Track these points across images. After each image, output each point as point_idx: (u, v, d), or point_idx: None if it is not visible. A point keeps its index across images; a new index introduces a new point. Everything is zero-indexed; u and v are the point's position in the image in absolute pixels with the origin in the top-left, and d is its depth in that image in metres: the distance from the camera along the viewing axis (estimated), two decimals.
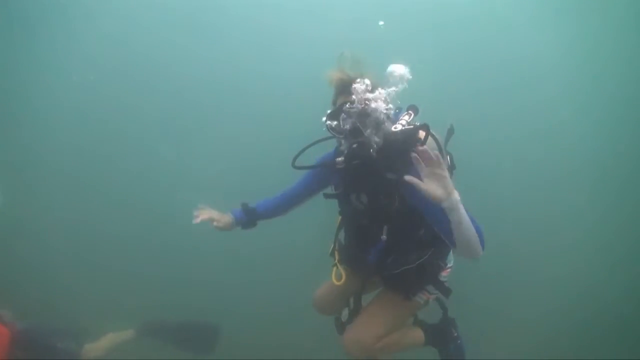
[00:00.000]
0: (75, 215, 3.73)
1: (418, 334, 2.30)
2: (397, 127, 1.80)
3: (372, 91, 1.78)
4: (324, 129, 1.88)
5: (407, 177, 1.49)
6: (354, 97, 1.76)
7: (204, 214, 2.15)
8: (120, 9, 3.56)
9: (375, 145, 1.78)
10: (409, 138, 1.78)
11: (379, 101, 1.77)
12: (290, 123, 3.17)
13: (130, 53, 3.62)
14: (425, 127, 1.74)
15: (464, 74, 3.61)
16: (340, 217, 2.21)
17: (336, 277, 2.10)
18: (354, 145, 1.75)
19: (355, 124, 1.74)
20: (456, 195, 1.51)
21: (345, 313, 2.25)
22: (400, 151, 1.76)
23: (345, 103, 1.79)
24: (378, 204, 1.87)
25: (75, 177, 3.75)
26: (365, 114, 1.75)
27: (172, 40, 3.59)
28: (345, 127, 1.77)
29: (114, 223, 3.68)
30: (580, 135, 3.76)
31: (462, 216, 1.53)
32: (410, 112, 1.91)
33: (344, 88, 1.85)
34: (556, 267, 3.71)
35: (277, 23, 3.44)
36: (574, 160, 3.76)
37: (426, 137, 1.74)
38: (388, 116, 1.81)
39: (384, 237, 1.84)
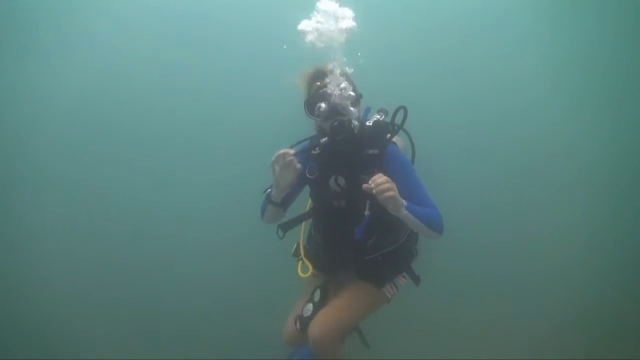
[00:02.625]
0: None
1: None
2: (371, 122, 2.07)
3: (343, 75, 1.98)
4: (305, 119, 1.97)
5: (364, 186, 1.69)
6: (327, 80, 1.95)
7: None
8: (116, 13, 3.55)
9: (354, 123, 1.95)
10: (383, 126, 2.04)
11: (352, 82, 2.00)
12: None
13: (126, 58, 3.58)
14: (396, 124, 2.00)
15: (456, 73, 3.58)
16: (309, 216, 2.24)
17: (302, 270, 2.17)
18: (335, 123, 1.91)
19: (332, 103, 1.91)
20: (404, 211, 1.76)
21: (308, 307, 2.17)
22: (377, 133, 2.01)
23: (320, 87, 1.96)
24: (357, 183, 1.90)
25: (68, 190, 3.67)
26: (340, 93, 1.91)
27: (170, 44, 3.56)
28: (324, 109, 1.92)
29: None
30: (577, 137, 3.69)
31: (411, 221, 1.81)
32: (381, 113, 2.18)
33: (317, 75, 2.01)
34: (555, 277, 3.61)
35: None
36: (572, 163, 3.69)
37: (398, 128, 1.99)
38: (360, 95, 2.02)
39: (367, 212, 1.86)
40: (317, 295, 2.17)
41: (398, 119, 2.04)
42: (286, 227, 2.16)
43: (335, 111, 1.90)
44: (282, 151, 1.92)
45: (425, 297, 3.09)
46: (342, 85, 1.93)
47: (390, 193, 1.64)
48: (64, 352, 3.36)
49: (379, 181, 1.66)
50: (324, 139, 1.95)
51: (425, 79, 3.49)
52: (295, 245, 2.33)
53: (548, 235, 3.65)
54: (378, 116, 2.17)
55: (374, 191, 1.64)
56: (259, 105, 3.40)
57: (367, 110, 2.17)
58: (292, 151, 1.94)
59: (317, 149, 2.03)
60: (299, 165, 1.94)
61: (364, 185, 1.67)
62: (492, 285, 3.55)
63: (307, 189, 2.30)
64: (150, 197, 3.60)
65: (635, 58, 3.55)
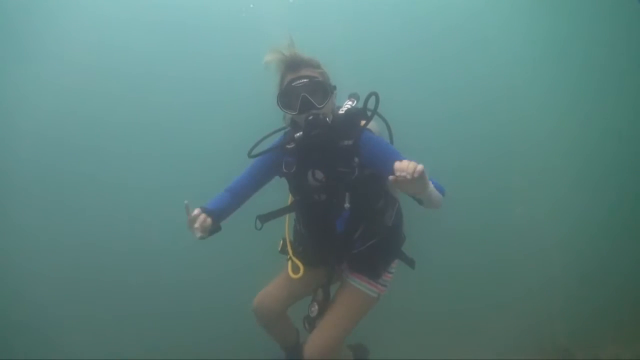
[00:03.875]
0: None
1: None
2: (343, 110, 1.99)
3: (316, 66, 1.90)
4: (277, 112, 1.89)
5: (392, 178, 1.49)
6: (301, 72, 1.86)
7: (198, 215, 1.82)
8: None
9: (328, 116, 1.87)
10: (356, 115, 1.95)
11: (324, 74, 1.91)
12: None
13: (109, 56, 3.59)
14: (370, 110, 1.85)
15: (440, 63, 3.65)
16: (290, 210, 2.18)
17: (293, 270, 2.08)
18: (310, 117, 1.82)
19: (306, 97, 1.82)
20: (430, 186, 1.60)
21: (314, 309, 2.15)
22: (351, 122, 1.92)
23: (294, 80, 1.85)
24: (336, 176, 1.88)
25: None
26: (314, 86, 1.84)
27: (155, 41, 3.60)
28: (297, 103, 1.83)
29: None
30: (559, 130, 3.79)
31: (434, 195, 1.67)
32: (352, 99, 2.09)
33: (290, 66, 1.90)
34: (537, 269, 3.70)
35: None
36: (549, 154, 3.80)
37: (372, 116, 1.86)
38: (334, 87, 1.93)
39: (347, 205, 1.82)
40: (320, 295, 2.14)
41: (370, 105, 1.89)
42: (265, 219, 2.11)
43: (310, 105, 1.82)
44: (199, 216, 1.78)
45: (410, 292, 3.12)
46: (316, 78, 1.86)
47: (420, 167, 1.44)
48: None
49: (402, 166, 1.46)
50: (298, 134, 1.85)
51: (404, 73, 3.56)
52: (281, 242, 2.27)
53: (528, 225, 3.72)
54: (350, 102, 2.09)
55: (408, 177, 1.43)
56: (235, 108, 3.43)
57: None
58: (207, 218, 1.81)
59: (291, 143, 1.92)
60: (209, 220, 1.80)
61: (391, 177, 1.47)
62: (473, 277, 3.60)
63: (278, 182, 2.16)
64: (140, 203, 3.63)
65: (608, 56, 3.66)
